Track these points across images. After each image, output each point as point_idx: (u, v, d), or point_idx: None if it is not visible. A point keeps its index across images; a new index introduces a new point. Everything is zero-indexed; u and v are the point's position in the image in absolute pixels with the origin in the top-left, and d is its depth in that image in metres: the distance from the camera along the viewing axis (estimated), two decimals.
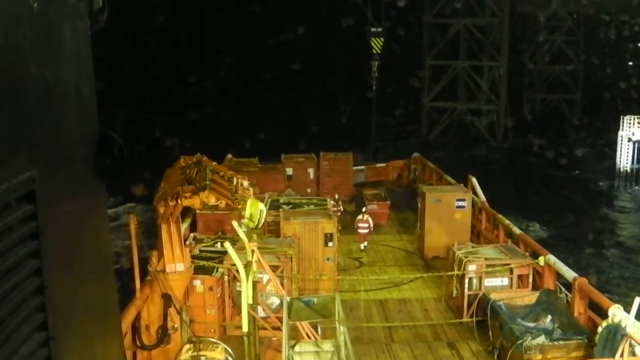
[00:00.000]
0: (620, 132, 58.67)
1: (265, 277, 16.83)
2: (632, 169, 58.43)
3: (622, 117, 58.91)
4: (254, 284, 14.28)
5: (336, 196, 28.41)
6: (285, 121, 63.99)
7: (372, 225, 26.83)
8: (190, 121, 58.43)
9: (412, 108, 77.01)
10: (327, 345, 13.68)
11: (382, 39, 34.58)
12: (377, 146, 47.62)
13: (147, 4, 70.26)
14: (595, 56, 78.91)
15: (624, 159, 58.68)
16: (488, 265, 19.61)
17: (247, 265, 13.86)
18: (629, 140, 58.03)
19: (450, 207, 25.50)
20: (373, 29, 34.61)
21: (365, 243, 26.71)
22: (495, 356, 17.24)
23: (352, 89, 35.26)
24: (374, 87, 35.08)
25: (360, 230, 26.57)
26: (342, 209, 27.61)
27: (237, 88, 74.95)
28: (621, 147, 58.71)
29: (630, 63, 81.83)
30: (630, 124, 58.07)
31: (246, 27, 78.42)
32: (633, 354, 13.22)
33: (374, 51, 34.78)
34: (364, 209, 27.21)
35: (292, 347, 13.43)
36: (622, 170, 58.82)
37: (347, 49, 34.99)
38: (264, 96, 73.40)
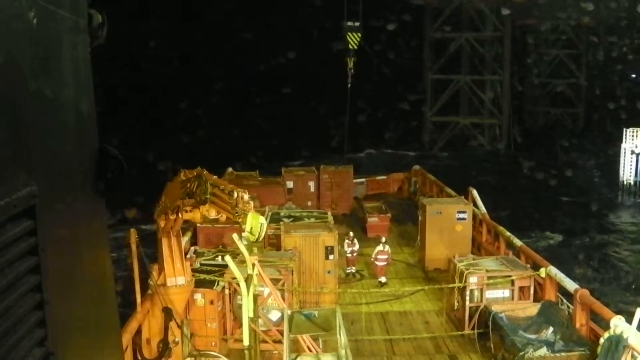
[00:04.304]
0: (623, 145, 58.19)
1: (266, 291, 16.80)
2: (635, 182, 58.06)
3: (624, 129, 58.53)
4: (255, 297, 14.27)
5: (350, 234, 25.59)
6: (276, 145, 64.41)
7: (390, 257, 24.88)
8: (183, 145, 58.81)
9: (406, 129, 77.87)
10: (328, 359, 13.64)
11: (358, 34, 34.10)
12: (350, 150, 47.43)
13: (140, 31, 70.88)
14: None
15: (627, 172, 58.30)
16: (489, 277, 19.59)
17: (248, 279, 13.85)
18: (632, 152, 57.66)
19: (451, 220, 25.48)
20: (349, 23, 33.94)
21: (384, 278, 24.53)
22: None
23: (343, 112, 35.32)
24: (349, 85, 34.67)
25: (378, 263, 24.38)
26: (357, 247, 25.36)
27: (229, 112, 75.47)
28: (624, 160, 58.33)
29: (634, 75, 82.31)
30: (633, 136, 57.69)
31: (237, 52, 79.11)
32: None
33: (350, 46, 34.17)
34: (382, 239, 24.82)
35: None
36: (625, 183, 58.46)
37: (337, 73, 34.83)
38: (255, 120, 73.92)
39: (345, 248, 24.84)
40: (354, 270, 25.31)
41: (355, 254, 25.16)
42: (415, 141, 77.04)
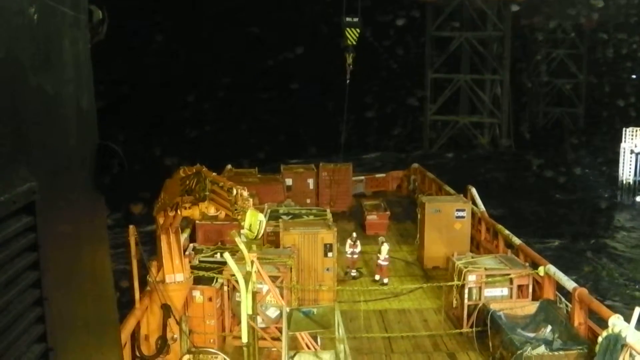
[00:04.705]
0: (622, 144, 58.11)
1: (265, 288, 16.80)
2: (634, 181, 58.04)
3: (624, 129, 58.49)
4: (254, 294, 14.27)
5: (354, 234, 24.99)
6: (283, 141, 64.42)
7: (383, 259, 24.15)
8: (189, 140, 58.77)
9: (411, 126, 77.94)
10: (327, 356, 13.66)
11: (358, 30, 33.90)
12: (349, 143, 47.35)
13: (146, 25, 70.79)
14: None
15: (626, 171, 58.25)
16: (488, 276, 19.60)
17: (247, 276, 13.85)
18: (632, 152, 57.62)
19: (450, 218, 25.48)
20: (348, 19, 33.64)
21: (386, 280, 24.15)
22: None
23: (350, 109, 35.24)
24: (348, 81, 34.55)
25: (383, 263, 24.10)
26: (359, 249, 24.84)
27: (236, 108, 75.40)
28: (624, 160, 58.27)
29: (634, 76, 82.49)
30: (632, 135, 57.63)
31: (244, 47, 78.99)
32: None
33: (349, 42, 33.96)
34: (381, 239, 24.69)
35: (292, 357, 13.42)
36: (624, 182, 58.40)
37: (345, 69, 34.73)
38: (262, 116, 73.87)
39: (347, 248, 24.42)
40: (354, 273, 24.80)
41: (356, 256, 24.73)
42: (418, 140, 77.03)
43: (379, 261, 24.17)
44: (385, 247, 24.03)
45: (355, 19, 33.56)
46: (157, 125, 66.19)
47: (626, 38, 74.60)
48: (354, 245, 24.49)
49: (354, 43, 33.80)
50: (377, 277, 24.36)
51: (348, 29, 33.53)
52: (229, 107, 74.89)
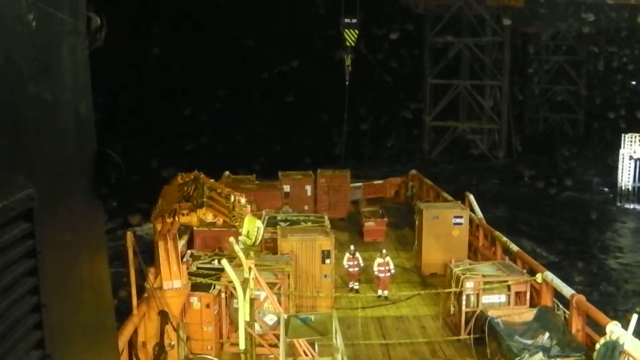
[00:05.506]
0: (621, 150, 58.13)
1: (263, 294, 16.79)
2: (634, 187, 58.09)
3: (623, 135, 58.55)
4: (251, 301, 14.26)
5: (352, 247, 24.41)
6: (279, 152, 64.55)
7: (392, 268, 23.67)
8: (186, 152, 58.95)
9: (409, 136, 78.19)
10: None
11: (356, 31, 33.64)
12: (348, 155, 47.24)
13: (143, 38, 71.06)
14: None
15: (625, 177, 58.29)
16: (485, 282, 19.60)
17: (244, 283, 13.84)
18: (631, 158, 57.65)
19: (448, 224, 25.47)
20: (347, 20, 33.40)
21: (386, 292, 23.54)
22: None
23: (345, 119, 35.26)
24: (347, 83, 34.28)
25: (382, 275, 23.36)
26: (362, 263, 24.17)
27: (232, 120, 75.70)
28: (622, 165, 58.29)
29: (634, 83, 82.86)
30: (631, 142, 57.66)
31: (240, 60, 79.35)
32: None
33: (348, 43, 33.63)
34: (383, 251, 23.95)
35: None
36: (624, 188, 58.42)
37: (340, 81, 34.62)
38: (258, 128, 74.14)
39: (345, 262, 23.82)
40: (356, 287, 24.26)
41: (357, 269, 24.05)
42: (415, 149, 76.99)
43: (386, 274, 23.52)
44: (389, 259, 23.84)
45: (354, 20, 33.42)
46: (154, 136, 66.37)
47: (617, 51, 74.97)
48: (353, 258, 23.91)
49: (353, 44, 33.69)
50: (380, 292, 23.58)
51: (346, 30, 33.41)
52: (225, 119, 75.12)
